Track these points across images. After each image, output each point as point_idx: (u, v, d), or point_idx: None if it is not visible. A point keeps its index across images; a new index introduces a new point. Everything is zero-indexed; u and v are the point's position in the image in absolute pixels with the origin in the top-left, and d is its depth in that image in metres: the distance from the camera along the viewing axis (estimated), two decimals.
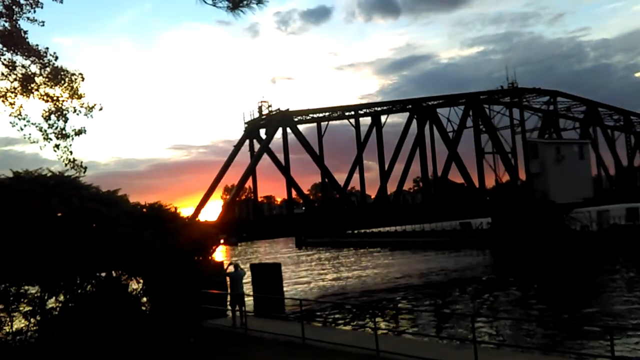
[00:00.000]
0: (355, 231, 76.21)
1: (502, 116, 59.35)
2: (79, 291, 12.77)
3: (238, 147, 48.94)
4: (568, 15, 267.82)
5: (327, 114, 50.27)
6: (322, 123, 51.30)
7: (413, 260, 54.47)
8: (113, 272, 13.31)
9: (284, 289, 33.77)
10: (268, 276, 30.67)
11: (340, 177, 50.90)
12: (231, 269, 18.10)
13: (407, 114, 51.89)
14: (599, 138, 64.81)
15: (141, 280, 13.51)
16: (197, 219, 28.84)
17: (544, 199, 53.64)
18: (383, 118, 51.87)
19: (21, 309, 12.27)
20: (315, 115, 49.82)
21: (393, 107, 52.82)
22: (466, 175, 52.60)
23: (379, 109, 51.97)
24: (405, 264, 52.10)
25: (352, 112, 50.89)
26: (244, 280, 18.50)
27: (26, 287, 12.37)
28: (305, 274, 49.12)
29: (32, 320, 12.27)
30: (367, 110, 51.76)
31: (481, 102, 55.48)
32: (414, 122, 51.25)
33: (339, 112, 50.78)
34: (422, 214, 51.44)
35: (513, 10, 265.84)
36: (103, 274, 13.23)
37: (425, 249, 64.50)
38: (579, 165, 57.20)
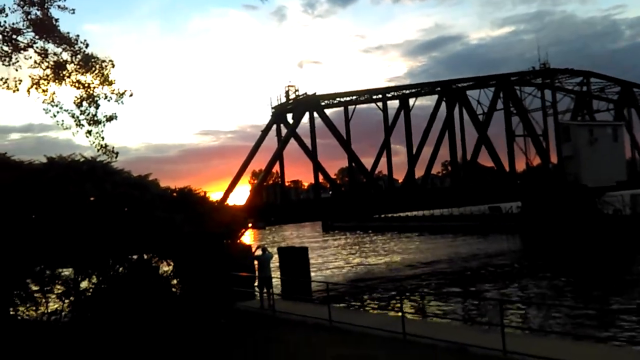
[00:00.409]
0: (383, 215, 76.00)
1: (534, 98, 58.24)
2: (111, 273, 13.14)
3: (265, 132, 49.11)
4: None
5: (354, 97, 49.99)
6: (349, 107, 51.10)
7: (441, 245, 54.16)
8: (144, 254, 13.64)
9: (311, 272, 34.03)
10: (295, 259, 30.90)
11: (368, 161, 50.79)
12: (259, 252, 18.31)
13: (436, 96, 51.23)
14: (634, 119, 63.02)
15: (172, 263, 13.81)
16: (225, 203, 29.19)
17: (576, 182, 52.57)
18: (411, 101, 51.35)
19: (56, 290, 12.71)
20: (342, 99, 49.59)
21: (421, 89, 52.19)
22: (496, 158, 51.83)
23: (407, 91, 51.40)
24: (433, 248, 51.87)
25: (380, 96, 50.45)
26: (271, 264, 18.71)
27: (60, 269, 12.78)
28: (332, 258, 49.36)
29: (66, 300, 12.70)
30: (395, 93, 51.25)
31: (512, 83, 54.38)
32: (443, 104, 50.58)
33: (366, 95, 50.44)
34: (450, 198, 50.95)
35: None
36: (135, 257, 13.57)
37: (454, 233, 64.08)
38: (613, 147, 55.76)
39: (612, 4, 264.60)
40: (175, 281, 13.85)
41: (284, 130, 47.85)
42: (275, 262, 27.24)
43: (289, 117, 48.11)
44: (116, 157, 19.66)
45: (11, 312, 12.16)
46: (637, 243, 42.86)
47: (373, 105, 51.64)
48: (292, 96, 47.77)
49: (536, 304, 23.77)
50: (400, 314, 13.77)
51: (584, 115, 59.98)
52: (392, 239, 64.24)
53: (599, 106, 63.27)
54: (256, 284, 18.48)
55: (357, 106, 51.95)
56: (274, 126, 49.20)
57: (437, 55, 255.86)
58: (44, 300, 12.60)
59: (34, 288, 12.43)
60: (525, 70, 57.31)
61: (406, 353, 11.34)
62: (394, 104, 51.28)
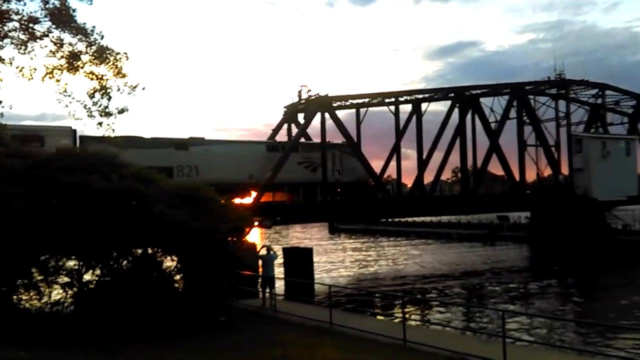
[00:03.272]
0: (390, 220, 75.82)
1: (548, 108, 57.73)
2: (115, 266, 13.18)
3: (276, 130, 49.12)
4: (625, 3, 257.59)
5: (366, 100, 49.83)
6: (361, 109, 50.93)
7: (447, 252, 53.94)
8: (149, 249, 13.68)
9: (315, 273, 33.96)
10: (300, 260, 30.92)
11: (377, 165, 50.56)
12: (263, 251, 18.34)
13: (449, 102, 50.94)
14: None
15: (175, 259, 13.83)
16: (232, 201, 29.18)
17: (585, 195, 52.11)
18: (424, 106, 51.04)
19: (59, 280, 12.77)
20: (354, 101, 49.44)
21: (435, 94, 51.89)
22: (507, 167, 51.51)
23: (420, 96, 51.14)
24: (439, 255, 51.67)
25: (393, 99, 50.27)
26: (275, 263, 18.73)
27: (65, 260, 12.84)
28: (337, 260, 49.30)
29: (70, 291, 12.76)
30: (408, 98, 51.00)
31: (526, 92, 53.97)
32: (456, 110, 50.26)
33: (379, 98, 50.24)
34: (459, 205, 50.68)
35: None
36: (139, 251, 13.61)
37: (461, 240, 63.93)
38: (625, 162, 55.13)
39: (634, 15, 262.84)
40: (178, 277, 13.87)
41: (295, 130, 47.80)
42: (280, 261, 27.23)
43: (301, 117, 48.07)
44: (126, 150, 19.86)
45: (14, 301, 12.24)
46: None
47: (385, 108, 51.47)
48: (304, 96, 47.72)
49: (540, 316, 23.56)
50: (401, 320, 13.71)
51: (598, 127, 59.45)
52: (398, 244, 64.08)
53: (613, 119, 62.68)
54: (259, 282, 18.50)
55: (370, 109, 51.79)
56: (285, 125, 49.22)
57: (454, 61, 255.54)
58: (47, 290, 12.67)
59: (38, 277, 12.49)
60: (541, 79, 56.92)
61: None
62: (406, 108, 51.11)
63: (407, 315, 13.46)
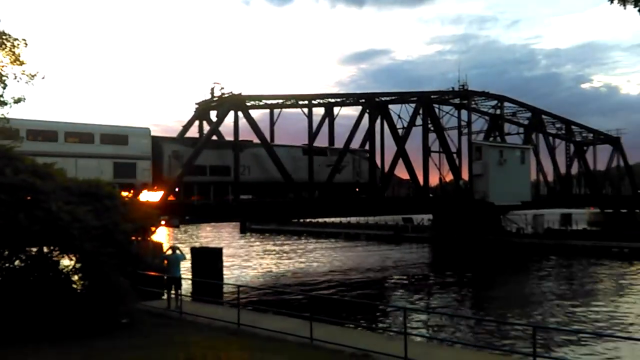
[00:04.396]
0: (301, 220, 76.56)
1: (451, 117, 60.80)
2: (7, 265, 12.32)
3: (187, 127, 47.95)
4: (524, 21, 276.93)
5: (280, 101, 49.88)
6: (275, 110, 50.96)
7: (355, 252, 55.30)
8: (44, 247, 12.91)
9: (225, 274, 33.58)
10: (209, 261, 30.41)
11: None
12: (170, 251, 17.89)
13: (360, 107, 52.19)
14: (541, 145, 67.50)
15: (74, 258, 13.14)
16: (137, 199, 28.21)
17: (483, 199, 55.39)
18: (336, 110, 52.07)
19: None
20: (268, 102, 49.33)
21: (346, 99, 52.96)
22: (412, 172, 53.57)
23: (333, 100, 52.03)
24: (347, 255, 52.87)
25: (306, 102, 50.70)
26: (183, 264, 18.33)
27: None
28: (247, 260, 49.02)
29: None
30: (321, 101, 51.71)
31: (432, 101, 56.47)
32: (366, 116, 51.60)
33: (292, 100, 50.46)
34: (367, 207, 52.06)
35: (472, 13, 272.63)
36: (34, 249, 12.81)
37: (368, 241, 65.84)
38: (520, 169, 59.29)
39: (531, 33, 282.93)
40: (76, 277, 13.18)
41: (207, 127, 46.87)
42: (189, 262, 26.60)
43: (213, 114, 47.19)
44: (22, 143, 18.66)
45: None
46: (535, 259, 45.84)
47: (299, 110, 51.81)
48: (217, 93, 46.83)
49: (439, 313, 24.72)
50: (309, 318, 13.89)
51: (496, 136, 63.36)
52: (308, 244, 64.76)
53: (510, 129, 67.17)
54: (165, 283, 18.01)
55: (283, 110, 51.93)
56: (197, 122, 48.15)
57: (367, 67, 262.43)
58: None
59: None
60: (445, 89, 59.80)
61: (311, 358, 11.44)
62: (319, 111, 51.85)
63: (314, 314, 13.65)
